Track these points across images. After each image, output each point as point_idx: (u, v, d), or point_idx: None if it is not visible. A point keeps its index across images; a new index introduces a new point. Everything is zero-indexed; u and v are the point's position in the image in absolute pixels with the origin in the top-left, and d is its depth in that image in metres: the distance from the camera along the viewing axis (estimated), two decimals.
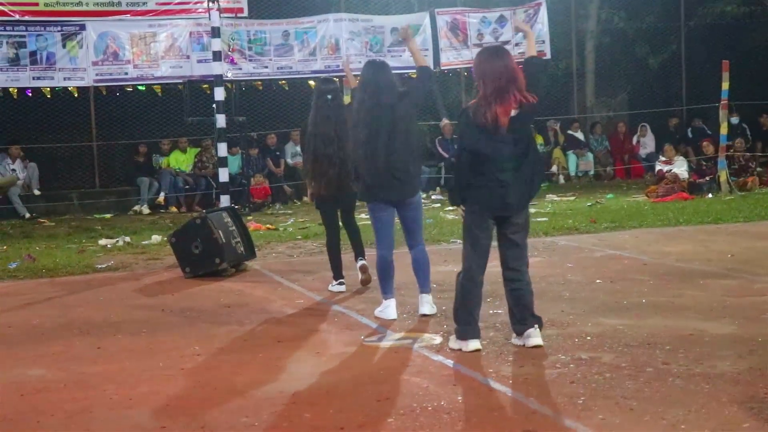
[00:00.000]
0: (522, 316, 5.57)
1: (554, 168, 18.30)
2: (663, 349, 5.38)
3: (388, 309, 6.51)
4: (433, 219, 12.28)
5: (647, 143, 18.92)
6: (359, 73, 6.68)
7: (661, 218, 11.49)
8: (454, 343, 5.56)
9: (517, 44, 18.03)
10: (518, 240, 5.53)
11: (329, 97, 7.39)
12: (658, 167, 15.47)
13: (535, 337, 5.51)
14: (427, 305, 6.52)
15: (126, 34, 16.29)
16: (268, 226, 12.58)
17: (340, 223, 7.75)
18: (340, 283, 7.66)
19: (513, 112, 5.34)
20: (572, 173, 18.40)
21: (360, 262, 7.67)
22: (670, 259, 8.65)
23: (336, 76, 17.47)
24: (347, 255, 7.84)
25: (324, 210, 7.65)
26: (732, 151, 15.06)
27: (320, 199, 7.52)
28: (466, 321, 5.51)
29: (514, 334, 5.63)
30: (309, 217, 13.67)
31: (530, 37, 5.96)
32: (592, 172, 18.51)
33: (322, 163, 7.28)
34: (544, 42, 18.28)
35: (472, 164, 5.39)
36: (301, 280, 8.32)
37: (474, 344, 5.45)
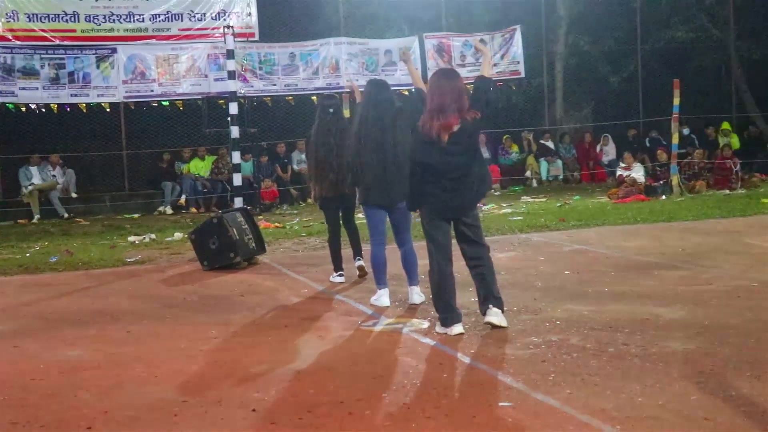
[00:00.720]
0: (485, 297, 5.58)
1: (528, 173, 18.31)
2: (623, 332, 5.40)
3: (382, 297, 6.56)
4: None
5: (609, 151, 18.93)
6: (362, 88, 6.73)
7: (621, 217, 11.51)
8: (439, 328, 5.56)
9: (495, 64, 18.04)
10: (472, 236, 5.56)
11: (331, 110, 7.46)
12: (618, 172, 15.49)
13: (493, 315, 5.52)
14: (416, 295, 6.55)
15: (152, 56, 16.26)
16: (276, 224, 12.57)
17: (341, 222, 7.75)
18: (340, 275, 7.67)
19: (455, 128, 5.33)
20: (544, 178, 18.40)
21: (358, 262, 7.66)
22: (629, 252, 8.67)
23: (336, 92, 17.61)
24: (347, 250, 7.84)
25: (326, 210, 7.65)
26: (690, 158, 15.16)
27: (323, 200, 7.53)
28: (445, 309, 5.51)
29: (483, 316, 5.64)
30: (312, 217, 13.67)
31: (486, 58, 5.90)
32: (561, 177, 18.51)
33: (323, 168, 7.30)
34: (519, 62, 18.30)
35: (422, 174, 5.44)
36: (305, 272, 8.33)
37: (457, 328, 5.46)
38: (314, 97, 17.59)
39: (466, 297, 6.36)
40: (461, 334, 5.45)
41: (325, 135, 7.33)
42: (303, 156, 17.12)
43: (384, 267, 6.61)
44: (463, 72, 17.65)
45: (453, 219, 5.51)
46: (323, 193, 7.40)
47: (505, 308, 5.69)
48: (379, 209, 6.46)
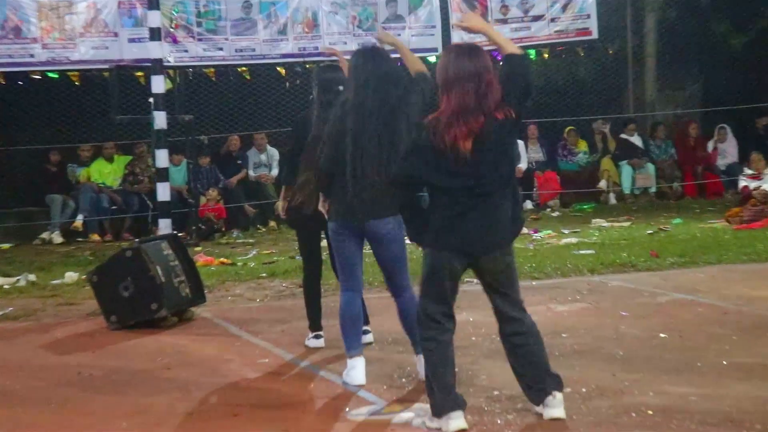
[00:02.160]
0: (536, 378, 5.54)
1: (603, 183, 18.32)
2: (752, 429, 5.36)
3: (354, 372, 6.55)
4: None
5: (727, 151, 18.95)
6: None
7: (747, 251, 11.47)
8: (431, 420, 5.52)
9: (553, 20, 18.11)
10: (502, 288, 5.56)
11: (340, 88, 7.04)
12: (742, 183, 15.51)
13: (554, 407, 5.50)
14: None
15: (32, 2, 16.32)
16: (222, 260, 12.54)
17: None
18: (317, 336, 7.63)
19: (479, 131, 5.32)
20: (627, 190, 18.40)
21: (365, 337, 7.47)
22: (760, 306, 8.62)
23: (314, 61, 17.64)
24: (330, 297, 7.80)
25: (302, 233, 7.59)
26: None
27: (298, 216, 7.42)
28: (441, 390, 5.46)
29: (537, 406, 5.61)
30: (277, 248, 13.62)
31: (491, 32, 5.73)
32: (653, 189, 18.51)
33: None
34: (589, 17, 18.35)
35: (426, 196, 5.45)
36: (265, 333, 8.27)
37: (456, 422, 5.39)
38: (281, 69, 17.65)
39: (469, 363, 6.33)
40: (463, 430, 5.39)
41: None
42: (263, 157, 17.17)
43: (358, 323, 6.65)
44: (504, 32, 17.77)
45: (475, 259, 5.49)
46: (303, 205, 7.31)
47: (564, 389, 5.66)
48: (353, 236, 6.48)
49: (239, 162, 17.12)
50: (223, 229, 15.93)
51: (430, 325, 5.52)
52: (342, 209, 6.43)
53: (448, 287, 5.51)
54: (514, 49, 5.53)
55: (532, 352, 5.57)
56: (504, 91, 5.41)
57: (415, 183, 5.52)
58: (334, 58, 7.99)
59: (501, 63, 5.53)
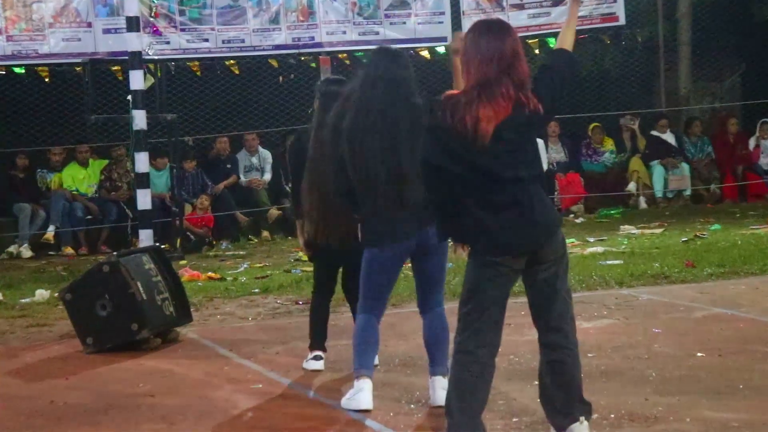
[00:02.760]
0: (566, 402, 5.53)
1: (632, 186, 18.32)
2: None
3: (360, 395, 6.51)
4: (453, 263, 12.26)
5: None
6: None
7: None
8: None
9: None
10: (556, 283, 5.52)
11: None
12: None
13: None
14: (441, 390, 6.51)
15: None
16: (210, 274, 12.55)
17: (344, 284, 7.73)
18: (317, 358, 7.63)
19: (504, 116, 5.31)
20: (658, 193, 18.41)
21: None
22: None
23: (310, 53, 17.68)
24: (341, 315, 7.80)
25: (321, 263, 7.64)
26: None
27: (323, 252, 7.43)
28: (468, 425, 5.43)
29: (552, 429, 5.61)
30: (271, 261, 13.63)
31: (574, 11, 5.89)
32: (688, 192, 18.52)
33: (333, 202, 7.11)
34: (615, 0, 18.34)
35: (451, 188, 5.40)
36: (258, 355, 8.29)
37: None
38: (273, 61, 17.66)
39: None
40: None
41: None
42: (254, 160, 17.19)
43: (374, 346, 6.69)
44: (520, 18, 17.84)
45: (529, 256, 5.44)
46: (317, 236, 7.32)
47: (593, 415, 5.66)
48: (399, 259, 6.51)
49: (229, 166, 17.12)
50: (213, 242, 15.92)
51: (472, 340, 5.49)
52: (383, 229, 6.37)
53: (497, 303, 5.48)
54: (568, 42, 5.67)
55: (571, 373, 5.55)
56: (537, 82, 5.43)
57: (436, 171, 5.46)
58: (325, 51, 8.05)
59: (548, 54, 5.60)
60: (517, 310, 9.53)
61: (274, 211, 16.70)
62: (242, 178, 17.12)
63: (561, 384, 5.55)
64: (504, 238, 5.37)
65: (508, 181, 5.35)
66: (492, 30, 5.46)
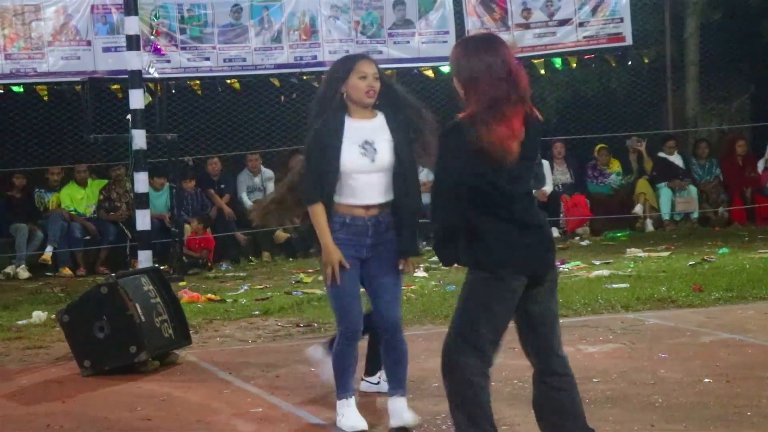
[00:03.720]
0: (573, 431, 5.50)
1: (638, 208, 18.33)
2: None
3: (349, 417, 6.60)
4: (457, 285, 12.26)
5: None
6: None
7: None
8: None
9: (581, 24, 18.16)
10: (552, 315, 5.53)
11: None
12: None
13: None
14: (406, 414, 6.61)
15: None
16: (209, 296, 12.55)
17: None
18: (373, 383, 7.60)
19: (523, 131, 5.33)
20: (666, 216, 18.41)
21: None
22: None
23: (312, 72, 17.71)
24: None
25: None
26: None
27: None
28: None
29: None
30: (272, 283, 13.62)
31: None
32: (695, 215, 18.52)
33: None
34: (622, 21, 18.40)
35: (475, 200, 5.37)
36: (258, 378, 8.29)
37: None
38: (275, 80, 17.69)
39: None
40: None
41: None
42: (257, 180, 17.18)
43: (353, 368, 6.72)
44: (526, 38, 17.88)
45: (534, 280, 5.44)
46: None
47: None
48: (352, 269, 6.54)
49: (222, 186, 17.13)
50: (210, 265, 15.91)
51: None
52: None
53: (502, 321, 5.45)
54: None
55: (573, 400, 5.50)
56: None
57: (462, 191, 5.41)
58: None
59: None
60: None
61: (281, 234, 16.67)
62: (246, 199, 17.10)
63: (569, 413, 5.51)
64: (528, 254, 5.38)
65: (523, 195, 5.38)
66: (488, 44, 5.45)
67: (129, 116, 11.19)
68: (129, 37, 11.26)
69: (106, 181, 16.94)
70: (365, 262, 6.52)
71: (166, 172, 16.09)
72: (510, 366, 7.79)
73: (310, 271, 14.34)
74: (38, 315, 11.49)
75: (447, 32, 17.78)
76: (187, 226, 16.13)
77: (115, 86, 16.33)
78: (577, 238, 17.45)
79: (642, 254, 14.98)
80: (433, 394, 7.39)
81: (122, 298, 8.67)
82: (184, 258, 15.31)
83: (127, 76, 11.40)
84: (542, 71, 18.76)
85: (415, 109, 6.71)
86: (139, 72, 11.28)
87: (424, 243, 11.67)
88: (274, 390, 7.88)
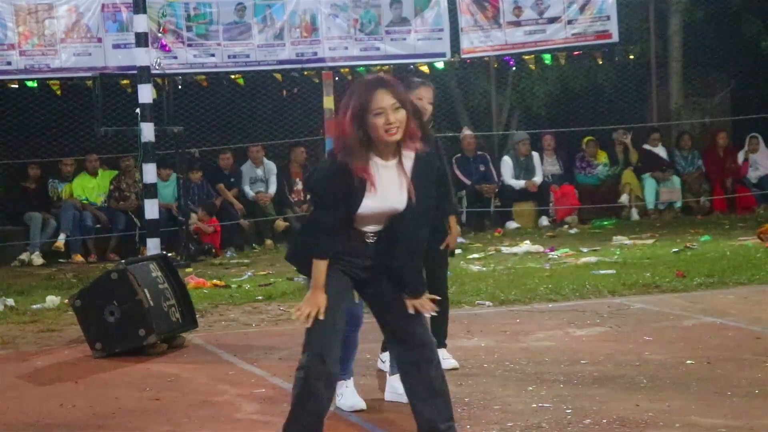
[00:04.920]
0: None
1: (624, 198, 18.33)
2: None
3: (350, 396, 6.68)
4: (451, 271, 12.26)
5: (759, 162, 18.94)
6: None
7: None
8: None
9: (570, 22, 18.14)
10: None
11: None
12: None
13: None
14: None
15: (8, 6, 16.37)
16: (215, 281, 12.55)
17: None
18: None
19: None
20: (650, 205, 18.40)
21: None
22: None
23: (313, 68, 17.70)
24: None
25: None
26: None
27: None
28: None
29: None
30: (274, 269, 13.62)
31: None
32: (679, 204, 18.51)
33: None
34: (609, 19, 18.37)
35: None
36: (262, 360, 8.29)
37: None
38: (278, 75, 17.67)
39: (521, 398, 6.33)
40: None
41: None
42: (259, 172, 17.17)
43: (354, 353, 6.81)
44: (517, 35, 17.87)
45: None
46: None
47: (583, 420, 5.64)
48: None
49: (232, 180, 17.13)
50: (216, 252, 15.89)
51: None
52: None
53: None
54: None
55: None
56: None
57: None
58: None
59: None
60: (512, 317, 9.55)
61: (281, 222, 16.71)
62: (248, 191, 17.10)
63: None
64: None
65: None
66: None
67: (138, 110, 11.17)
68: (138, 35, 11.24)
69: (116, 172, 16.91)
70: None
71: (173, 163, 16.09)
72: (502, 348, 7.81)
73: None
74: (52, 300, 11.48)
75: (441, 29, 17.75)
76: (193, 215, 16.11)
77: (125, 81, 16.31)
78: (566, 226, 17.44)
79: (628, 242, 14.99)
80: None
81: (132, 284, 8.67)
82: (191, 246, 15.30)
83: (136, 72, 11.39)
84: (532, 67, 18.76)
85: None
86: (148, 68, 11.27)
87: None
88: (276, 371, 7.87)
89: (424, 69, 17.60)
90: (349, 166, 5.08)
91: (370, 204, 5.15)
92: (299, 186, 17.03)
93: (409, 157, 5.23)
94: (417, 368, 5.26)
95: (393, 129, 5.08)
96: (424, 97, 6.69)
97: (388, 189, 5.17)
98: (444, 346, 7.42)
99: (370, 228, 5.26)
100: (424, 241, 5.40)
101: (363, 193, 5.12)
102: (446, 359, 7.13)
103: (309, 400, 5.17)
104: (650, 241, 14.92)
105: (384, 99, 5.09)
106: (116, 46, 16.53)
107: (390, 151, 5.18)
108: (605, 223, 17.58)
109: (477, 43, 18.17)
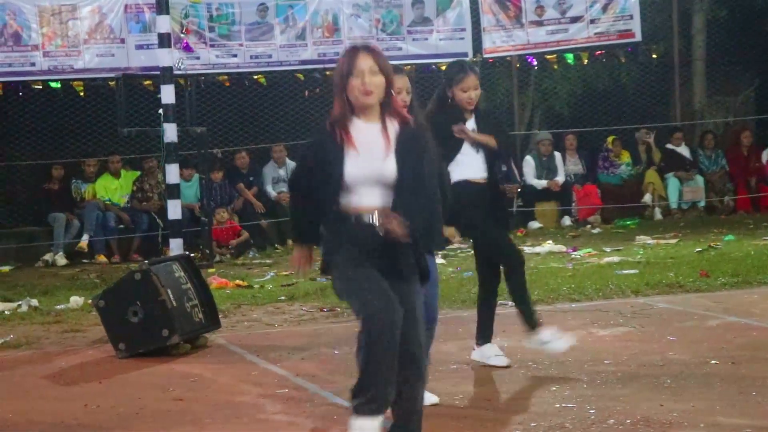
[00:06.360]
0: None
1: (647, 197, 18.28)
2: None
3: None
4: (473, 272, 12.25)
5: None
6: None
7: None
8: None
9: (592, 21, 18.12)
10: None
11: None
12: None
13: None
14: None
15: (32, 7, 16.44)
16: (238, 282, 12.57)
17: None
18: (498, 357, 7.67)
19: None
20: (673, 205, 18.36)
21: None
22: None
23: (334, 68, 17.61)
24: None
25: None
26: None
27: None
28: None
29: None
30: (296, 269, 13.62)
31: None
32: (702, 204, 18.46)
33: None
34: (631, 18, 18.35)
35: None
36: (284, 361, 8.30)
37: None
38: (300, 75, 17.69)
39: (545, 399, 6.32)
40: None
41: None
42: (282, 172, 17.19)
43: None
44: (539, 35, 17.86)
45: None
46: None
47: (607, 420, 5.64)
48: None
49: (251, 179, 17.16)
50: (232, 248, 15.91)
51: None
52: None
53: None
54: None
55: None
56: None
57: None
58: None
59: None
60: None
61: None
62: (271, 191, 17.12)
63: None
64: None
65: None
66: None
67: (161, 111, 11.19)
68: (160, 35, 11.26)
69: (138, 173, 16.96)
70: None
71: (195, 163, 16.12)
72: (525, 348, 7.80)
73: None
74: (75, 300, 11.53)
75: (464, 29, 17.76)
76: (215, 216, 16.12)
77: (147, 82, 16.35)
78: (589, 226, 17.40)
79: (651, 241, 14.95)
80: (451, 375, 7.42)
81: (155, 284, 8.69)
82: (212, 253, 15.34)
83: (158, 73, 11.41)
84: (555, 66, 18.74)
85: None
86: (170, 68, 11.28)
87: None
88: (298, 372, 7.88)
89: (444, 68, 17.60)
90: (329, 129, 5.27)
91: (354, 169, 5.23)
92: None
93: (393, 125, 5.34)
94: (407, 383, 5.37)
95: (368, 89, 5.27)
96: (402, 88, 6.61)
97: (370, 151, 5.25)
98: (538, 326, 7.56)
99: (365, 202, 5.29)
100: (431, 215, 5.39)
101: (344, 159, 5.22)
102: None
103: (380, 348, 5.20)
104: (674, 241, 14.88)
105: (363, 62, 5.34)
106: (139, 47, 16.59)
107: (372, 114, 5.33)
108: (628, 222, 17.53)
109: (499, 42, 18.16)
